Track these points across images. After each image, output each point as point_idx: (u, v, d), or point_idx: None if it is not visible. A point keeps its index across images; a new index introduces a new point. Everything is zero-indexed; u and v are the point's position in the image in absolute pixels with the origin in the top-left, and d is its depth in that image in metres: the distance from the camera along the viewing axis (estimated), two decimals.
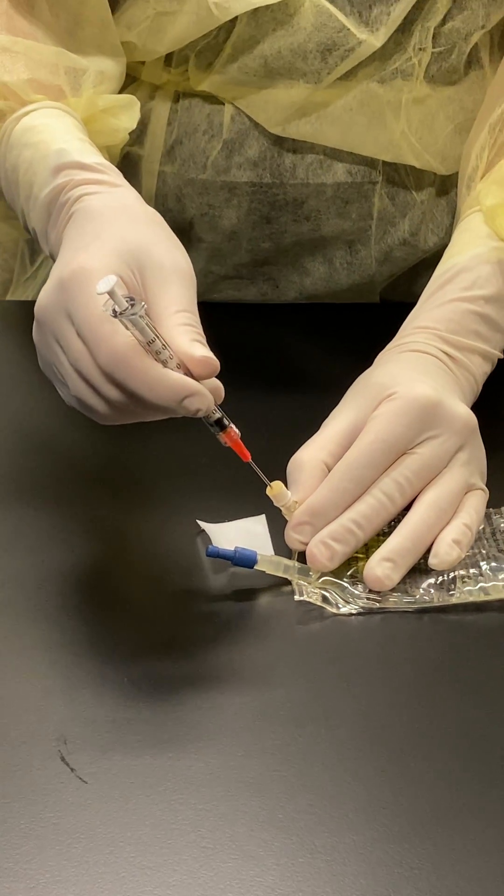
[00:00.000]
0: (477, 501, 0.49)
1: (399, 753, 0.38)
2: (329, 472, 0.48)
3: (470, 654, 0.44)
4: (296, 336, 0.67)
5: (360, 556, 0.47)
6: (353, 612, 0.45)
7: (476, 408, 0.51)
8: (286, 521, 0.48)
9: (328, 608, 0.45)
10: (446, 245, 0.60)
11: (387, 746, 0.38)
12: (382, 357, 0.53)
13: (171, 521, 0.51)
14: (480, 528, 0.49)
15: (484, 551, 0.48)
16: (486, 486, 0.50)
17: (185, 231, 0.68)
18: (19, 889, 0.32)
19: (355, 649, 0.44)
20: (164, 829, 0.34)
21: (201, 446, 0.49)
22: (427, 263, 0.67)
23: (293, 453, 0.49)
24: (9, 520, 0.51)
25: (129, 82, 0.66)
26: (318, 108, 0.63)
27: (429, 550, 0.47)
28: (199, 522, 0.49)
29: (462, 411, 0.49)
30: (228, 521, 0.49)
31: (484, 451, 0.51)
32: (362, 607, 0.45)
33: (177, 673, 0.42)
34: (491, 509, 0.50)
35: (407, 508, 0.48)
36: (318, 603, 0.46)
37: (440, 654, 0.44)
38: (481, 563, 0.48)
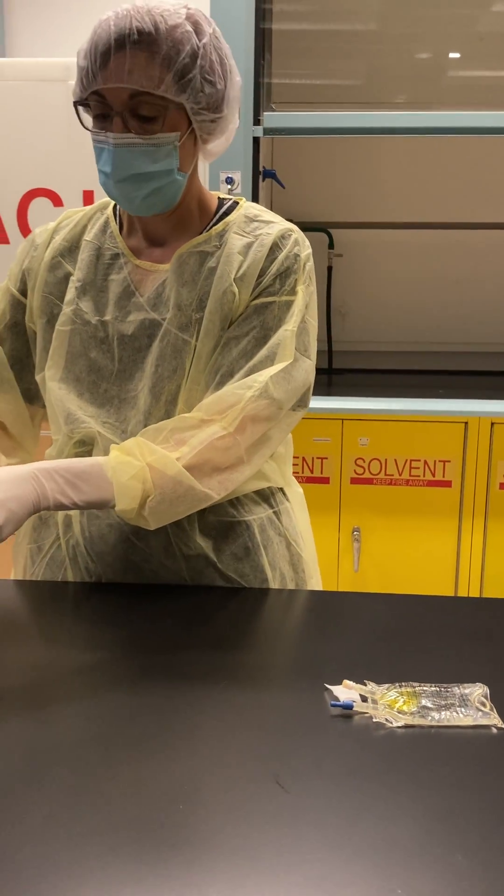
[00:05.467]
0: None
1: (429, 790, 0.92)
2: None
3: (443, 752, 0.99)
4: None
5: (400, 699, 1.03)
6: (397, 725, 1.00)
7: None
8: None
9: (387, 724, 1.00)
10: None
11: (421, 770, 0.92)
12: None
13: (302, 681, 1.06)
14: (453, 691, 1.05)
15: (457, 704, 1.04)
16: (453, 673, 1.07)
17: (90, 544, 1.38)
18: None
19: (399, 740, 0.98)
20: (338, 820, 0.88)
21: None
22: None
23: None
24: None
25: None
26: None
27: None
28: (326, 685, 1.05)
29: None
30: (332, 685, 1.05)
31: None
32: (402, 725, 1.00)
33: (320, 751, 0.96)
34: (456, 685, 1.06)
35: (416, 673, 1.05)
36: (383, 721, 1.00)
37: (432, 747, 0.99)
38: (456, 709, 1.03)
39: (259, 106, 2.90)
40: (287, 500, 1.44)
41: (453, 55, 3.51)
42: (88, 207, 1.42)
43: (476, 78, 3.53)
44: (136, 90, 1.18)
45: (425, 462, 2.89)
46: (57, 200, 2.90)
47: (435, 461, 2.89)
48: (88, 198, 2.90)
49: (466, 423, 2.87)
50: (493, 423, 2.86)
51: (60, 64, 2.85)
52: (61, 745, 0.95)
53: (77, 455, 1.34)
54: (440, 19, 3.39)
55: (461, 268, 3.74)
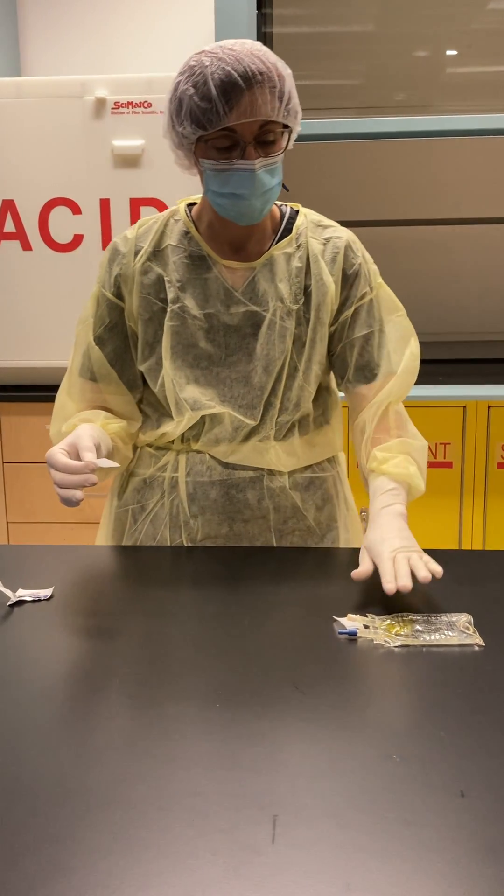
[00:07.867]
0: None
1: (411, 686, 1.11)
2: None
3: (432, 664, 1.18)
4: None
5: (397, 625, 1.22)
6: (395, 646, 1.19)
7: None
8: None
9: (385, 644, 1.19)
10: (297, 503, 1.65)
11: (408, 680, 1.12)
12: (374, 521, 1.43)
13: (315, 616, 1.26)
14: (441, 618, 1.25)
15: (444, 628, 1.23)
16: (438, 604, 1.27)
17: (192, 500, 1.63)
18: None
19: (396, 656, 1.17)
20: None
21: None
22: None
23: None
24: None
25: (165, 452, 1.65)
26: (238, 451, 1.59)
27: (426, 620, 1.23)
28: (334, 617, 1.24)
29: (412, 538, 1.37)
30: (339, 617, 1.25)
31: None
32: (398, 644, 1.20)
33: (334, 673, 1.15)
34: (445, 614, 1.26)
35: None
36: (382, 643, 1.20)
37: (425, 662, 1.18)
38: (444, 632, 1.22)
39: None
40: (338, 464, 1.76)
41: (450, 52, 3.69)
42: (159, 215, 1.64)
43: (472, 74, 3.71)
44: (265, 120, 1.42)
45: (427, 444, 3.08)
46: (76, 209, 3.11)
47: (436, 443, 3.08)
48: (104, 205, 3.10)
49: (465, 407, 3.06)
50: (489, 407, 3.05)
51: (76, 81, 3.05)
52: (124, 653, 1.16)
53: (191, 426, 1.60)
54: (436, 18, 3.57)
55: (459, 262, 3.93)
